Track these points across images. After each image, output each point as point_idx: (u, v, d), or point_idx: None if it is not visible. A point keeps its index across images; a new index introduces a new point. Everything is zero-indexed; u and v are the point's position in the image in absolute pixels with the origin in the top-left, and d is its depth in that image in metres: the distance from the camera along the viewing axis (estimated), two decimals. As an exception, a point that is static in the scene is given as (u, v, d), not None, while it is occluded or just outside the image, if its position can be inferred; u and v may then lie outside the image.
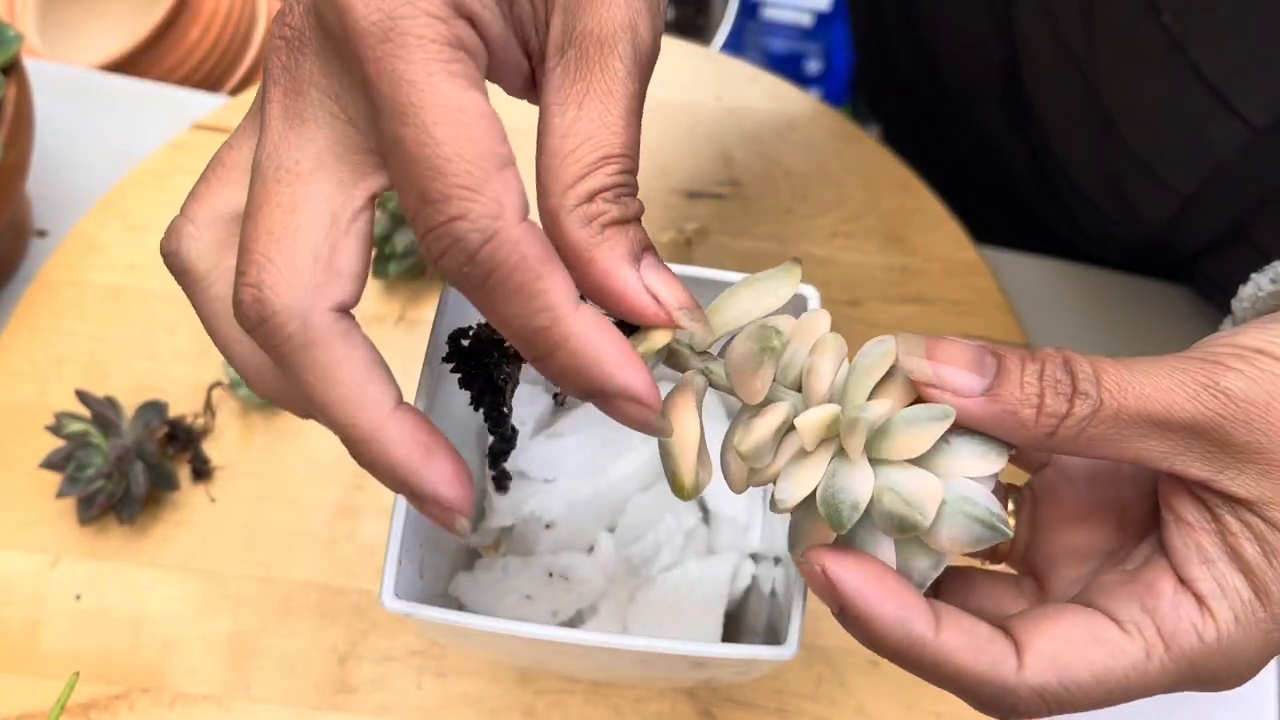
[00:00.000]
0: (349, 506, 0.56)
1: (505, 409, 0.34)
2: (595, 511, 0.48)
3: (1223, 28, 0.43)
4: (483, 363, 0.32)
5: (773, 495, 0.30)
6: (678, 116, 0.65)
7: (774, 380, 0.30)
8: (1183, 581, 0.30)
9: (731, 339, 0.31)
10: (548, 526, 0.48)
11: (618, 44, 0.28)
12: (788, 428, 0.30)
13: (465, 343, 0.33)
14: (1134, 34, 0.46)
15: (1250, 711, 0.55)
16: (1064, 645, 0.29)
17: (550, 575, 0.47)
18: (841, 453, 0.29)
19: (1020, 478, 0.35)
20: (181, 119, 0.65)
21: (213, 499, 0.56)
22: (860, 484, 0.28)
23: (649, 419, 0.28)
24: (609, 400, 0.27)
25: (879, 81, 0.84)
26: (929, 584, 0.30)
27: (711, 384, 0.31)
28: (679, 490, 0.30)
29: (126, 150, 0.64)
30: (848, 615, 0.29)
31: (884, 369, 0.29)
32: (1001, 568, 0.35)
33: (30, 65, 0.58)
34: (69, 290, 0.61)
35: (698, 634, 0.47)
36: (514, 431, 0.35)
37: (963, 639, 0.29)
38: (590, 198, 0.28)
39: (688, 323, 0.29)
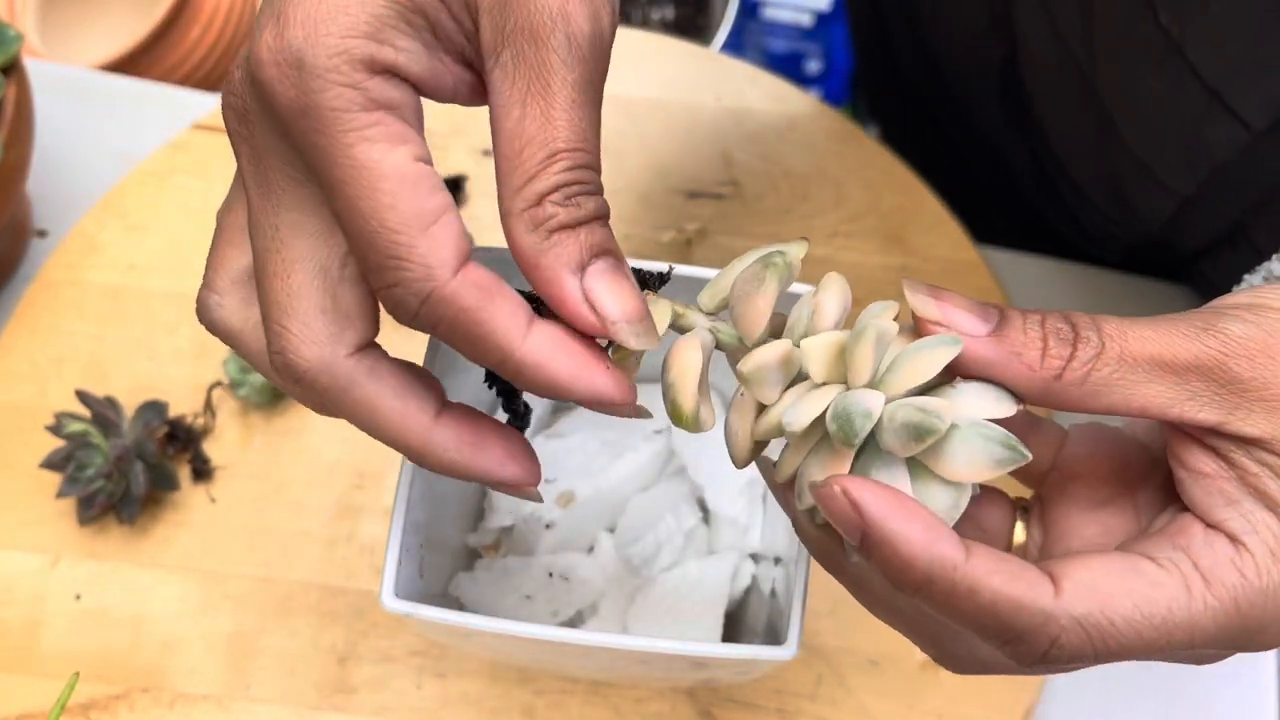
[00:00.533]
0: (349, 506, 0.56)
1: (516, 387, 0.34)
2: (595, 511, 0.48)
3: (1220, 29, 0.43)
4: None
5: (783, 423, 0.28)
6: (678, 116, 0.65)
7: (775, 338, 0.30)
8: (1211, 526, 0.29)
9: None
10: (548, 526, 0.48)
11: (550, 36, 0.28)
12: (795, 372, 0.29)
13: None
14: (1132, 34, 0.47)
15: (1250, 701, 0.55)
16: (1102, 574, 0.28)
17: (550, 575, 0.47)
18: (848, 390, 0.28)
19: (1026, 493, 0.35)
20: (181, 119, 0.65)
21: (213, 499, 0.56)
22: (871, 398, 0.27)
23: (626, 413, 0.29)
24: (586, 401, 0.28)
25: (879, 81, 0.84)
26: (954, 521, 0.29)
27: (718, 344, 0.30)
28: (678, 417, 0.30)
29: (126, 150, 0.64)
30: (871, 540, 0.27)
31: (890, 317, 0.28)
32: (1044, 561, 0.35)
33: (30, 65, 0.58)
34: (69, 290, 0.61)
35: (698, 634, 0.47)
36: (527, 409, 0.36)
37: (996, 563, 0.27)
38: (538, 201, 0.28)
39: (626, 338, 0.28)
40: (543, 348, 0.28)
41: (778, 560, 0.48)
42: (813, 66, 1.26)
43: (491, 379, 0.35)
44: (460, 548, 0.49)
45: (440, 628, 0.39)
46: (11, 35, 0.55)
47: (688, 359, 0.29)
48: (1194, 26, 0.44)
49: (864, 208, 0.63)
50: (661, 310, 0.30)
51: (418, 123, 0.28)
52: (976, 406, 0.28)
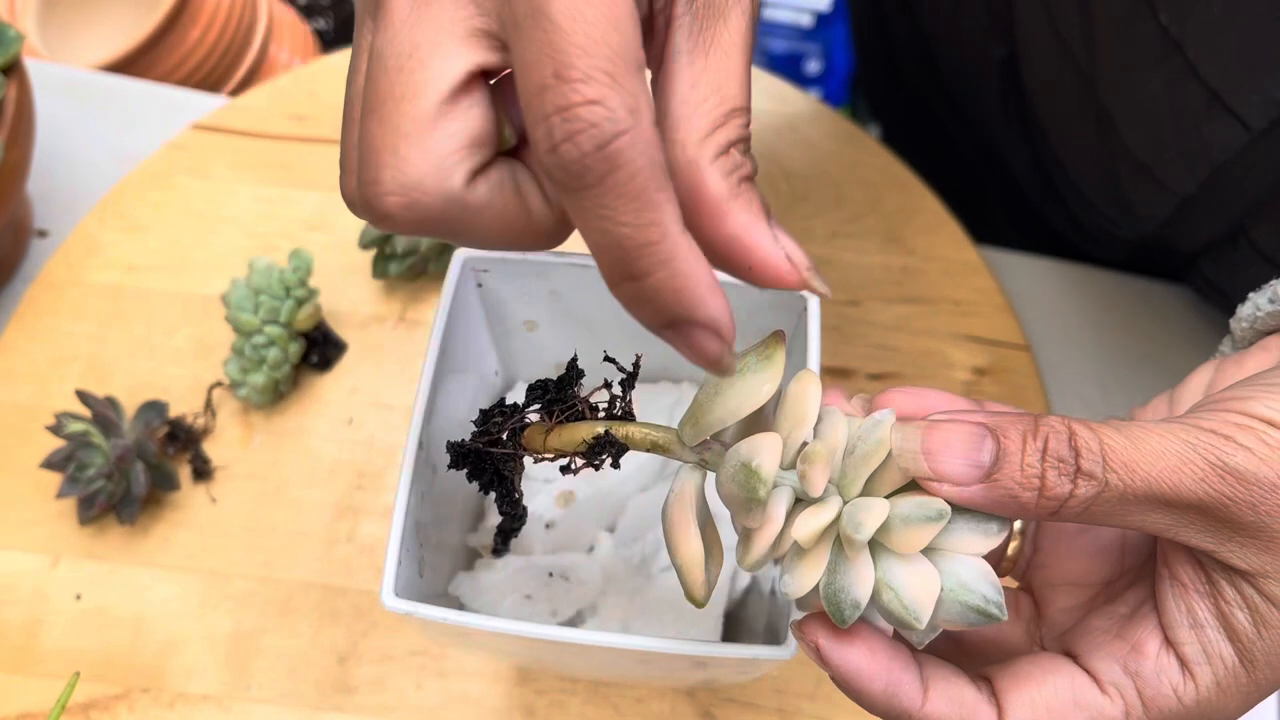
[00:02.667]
0: (349, 506, 0.56)
1: (516, 494, 0.35)
2: (595, 511, 0.48)
3: (1220, 29, 0.43)
4: (488, 456, 0.34)
5: (781, 589, 0.31)
6: (678, 117, 0.65)
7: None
8: (1169, 643, 0.30)
9: (724, 445, 0.31)
10: (548, 526, 0.48)
11: (739, 2, 0.27)
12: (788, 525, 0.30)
13: (463, 447, 0.35)
14: (1132, 34, 0.47)
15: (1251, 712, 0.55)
16: (1043, 711, 0.30)
17: (550, 575, 0.47)
18: (841, 545, 0.30)
19: None
20: (181, 119, 0.65)
21: (213, 499, 0.56)
22: (860, 583, 0.29)
23: (723, 354, 0.26)
24: (690, 330, 0.26)
25: (879, 81, 0.84)
26: (926, 644, 0.31)
27: (708, 467, 0.32)
28: (693, 601, 0.32)
29: (126, 150, 0.65)
30: (839, 686, 0.31)
31: (880, 458, 0.29)
32: (1006, 580, 0.36)
33: (30, 65, 0.58)
34: (69, 290, 0.61)
35: (698, 634, 0.47)
36: (524, 511, 0.36)
37: (947, 708, 0.30)
38: (726, 149, 0.27)
39: (817, 284, 0.28)
40: (694, 246, 0.25)
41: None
42: (813, 67, 1.26)
43: (487, 488, 0.35)
44: (460, 548, 0.49)
45: (440, 627, 0.39)
46: (12, 35, 0.55)
47: (691, 549, 0.31)
48: (1194, 26, 0.44)
49: (864, 208, 0.63)
50: (580, 433, 0.32)
51: None
52: (968, 543, 0.29)
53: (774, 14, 1.27)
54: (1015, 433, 0.29)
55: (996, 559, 0.35)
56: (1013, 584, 0.36)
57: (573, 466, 0.32)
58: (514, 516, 0.36)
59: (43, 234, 0.63)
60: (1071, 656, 0.32)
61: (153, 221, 0.62)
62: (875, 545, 0.30)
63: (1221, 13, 0.43)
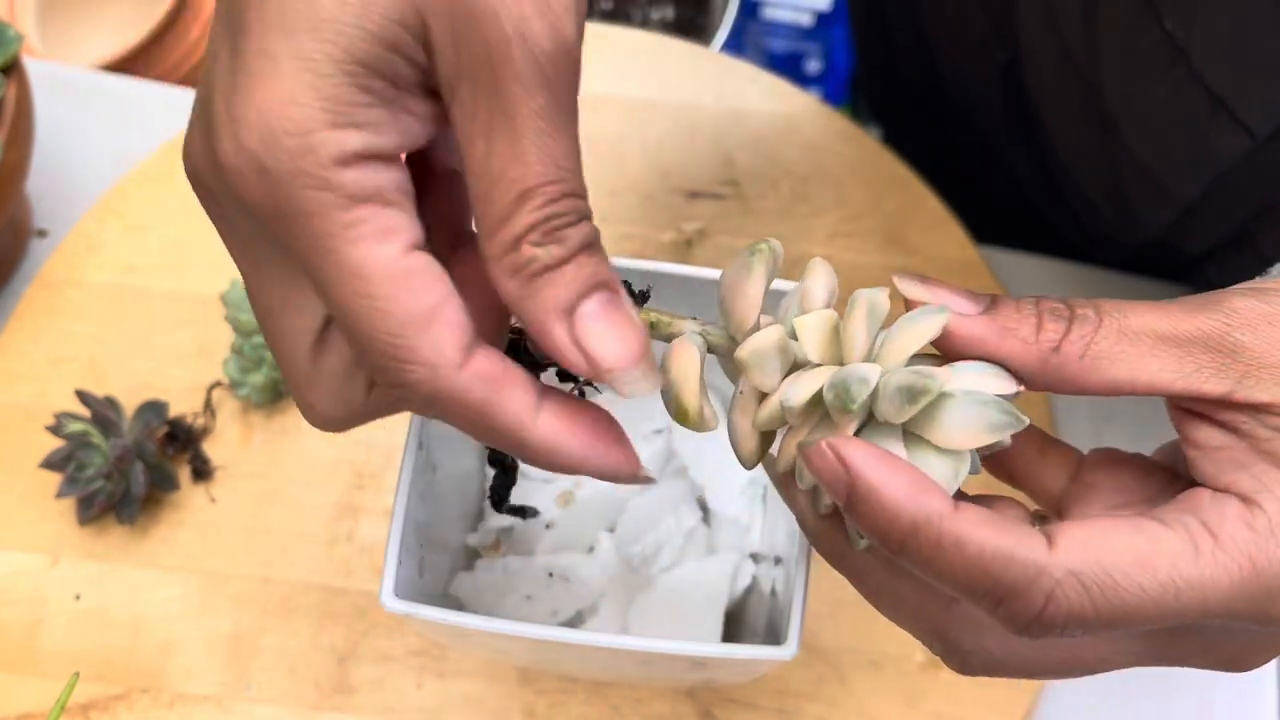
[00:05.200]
0: (349, 506, 0.56)
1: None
2: (595, 511, 0.48)
3: (1224, 36, 0.43)
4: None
5: (782, 400, 0.28)
6: (678, 116, 0.65)
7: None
8: (1220, 490, 0.28)
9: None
10: (548, 526, 0.48)
11: (507, 63, 0.25)
12: (791, 360, 0.29)
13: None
14: (1136, 40, 0.46)
15: (1249, 703, 0.55)
16: (1100, 532, 0.27)
17: (550, 575, 0.47)
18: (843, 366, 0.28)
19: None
20: (182, 119, 0.65)
21: (213, 499, 0.56)
22: (868, 368, 0.27)
23: (635, 476, 0.28)
24: (599, 478, 0.28)
25: (880, 84, 0.84)
26: (953, 492, 0.28)
27: (710, 347, 0.30)
28: (683, 416, 0.29)
29: (126, 150, 0.64)
30: (856, 495, 0.27)
31: (880, 310, 0.28)
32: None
33: (30, 65, 0.58)
34: (69, 290, 0.61)
35: (698, 634, 0.47)
36: (513, 463, 0.36)
37: (983, 515, 0.26)
38: (515, 244, 0.26)
39: (622, 387, 0.27)
40: (550, 431, 0.27)
41: (778, 560, 0.48)
42: (813, 66, 1.26)
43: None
44: (460, 548, 0.49)
45: (440, 628, 0.39)
46: (11, 35, 0.55)
47: (686, 358, 0.29)
48: (1199, 33, 0.43)
49: (864, 208, 0.63)
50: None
51: (403, 197, 0.26)
52: (975, 382, 0.28)
53: (774, 14, 1.27)
54: (1008, 297, 0.29)
55: None
56: None
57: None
58: (503, 467, 0.36)
59: (42, 234, 0.63)
60: None
61: (152, 221, 0.62)
62: (879, 360, 0.28)
63: (1227, 20, 0.42)
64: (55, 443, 0.55)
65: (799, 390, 0.28)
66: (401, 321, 0.25)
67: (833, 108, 0.66)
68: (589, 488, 0.48)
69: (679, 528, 0.48)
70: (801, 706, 0.53)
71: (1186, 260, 0.57)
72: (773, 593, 0.47)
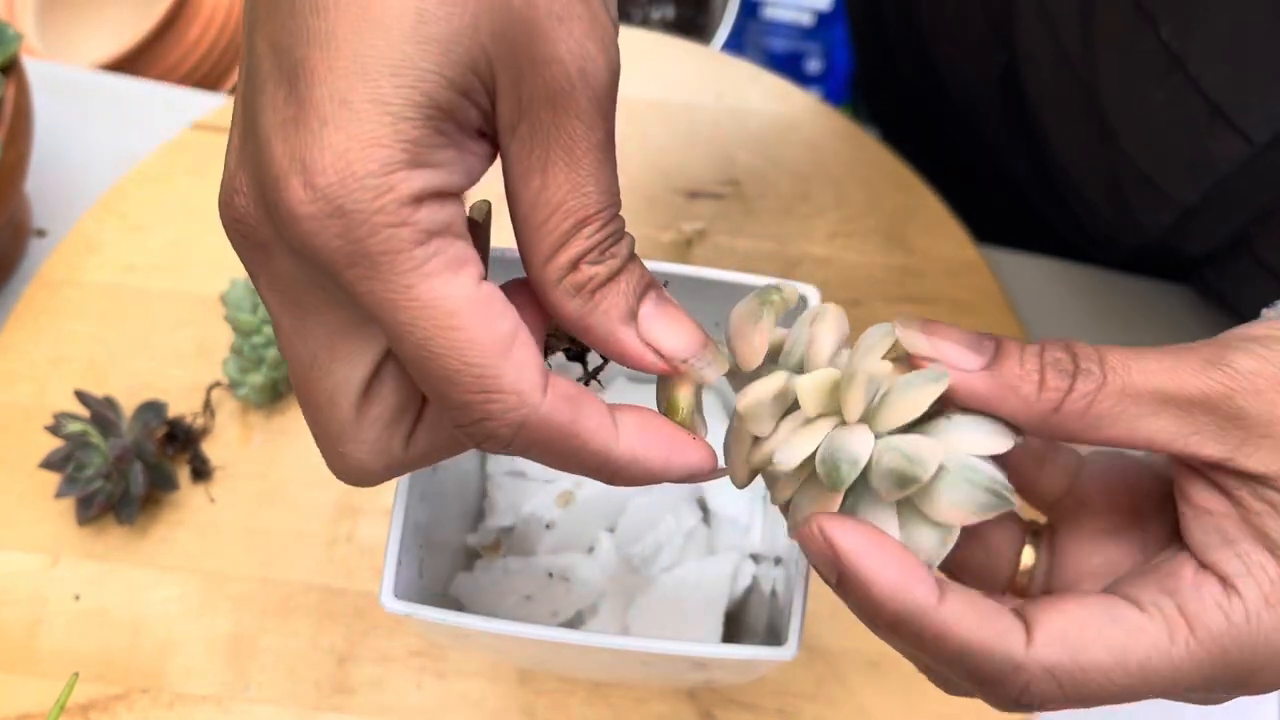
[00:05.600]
0: (348, 507, 0.56)
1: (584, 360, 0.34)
2: (595, 511, 0.48)
3: (1222, 43, 0.43)
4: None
5: (773, 463, 0.29)
6: (678, 116, 0.65)
7: (773, 361, 0.30)
8: (1205, 566, 0.28)
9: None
10: (548, 526, 0.48)
11: (570, 102, 0.26)
12: (790, 402, 0.29)
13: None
14: (1133, 47, 0.46)
15: (1250, 702, 0.55)
16: (1077, 623, 0.28)
17: (550, 575, 0.47)
18: (842, 424, 0.29)
19: (1041, 517, 0.34)
20: (181, 119, 0.65)
21: (212, 499, 0.56)
22: (859, 443, 0.28)
23: (711, 474, 0.29)
24: (681, 480, 0.29)
25: (879, 87, 0.84)
26: (937, 564, 0.29)
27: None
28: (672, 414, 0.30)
29: (126, 150, 0.64)
30: (845, 581, 0.28)
31: (885, 348, 0.29)
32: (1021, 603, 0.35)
33: (29, 65, 0.58)
34: (68, 290, 0.61)
35: (698, 634, 0.47)
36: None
37: (967, 608, 0.27)
38: (574, 266, 0.27)
39: (696, 369, 0.28)
40: (635, 442, 0.27)
41: (778, 560, 0.48)
42: (813, 66, 1.26)
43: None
44: (460, 548, 0.49)
45: (440, 628, 0.39)
46: (10, 35, 0.55)
47: (681, 398, 0.30)
48: (1195, 40, 0.43)
49: (865, 207, 0.63)
50: (683, 395, 0.30)
51: (465, 232, 0.27)
52: (970, 442, 0.28)
53: (774, 13, 1.27)
54: (1012, 341, 0.29)
55: (1008, 575, 0.33)
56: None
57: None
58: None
59: (41, 233, 0.63)
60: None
61: (152, 221, 0.62)
62: (876, 433, 0.28)
63: (1223, 28, 0.42)
64: (54, 443, 0.55)
65: (791, 454, 0.28)
66: (485, 352, 0.25)
67: (833, 107, 0.66)
68: (589, 488, 0.48)
69: (679, 528, 0.48)
70: (801, 707, 0.53)
71: (1186, 261, 0.57)
72: (773, 593, 0.47)
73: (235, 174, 0.27)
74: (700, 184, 0.64)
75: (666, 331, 0.28)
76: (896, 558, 0.27)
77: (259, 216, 0.27)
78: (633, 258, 0.28)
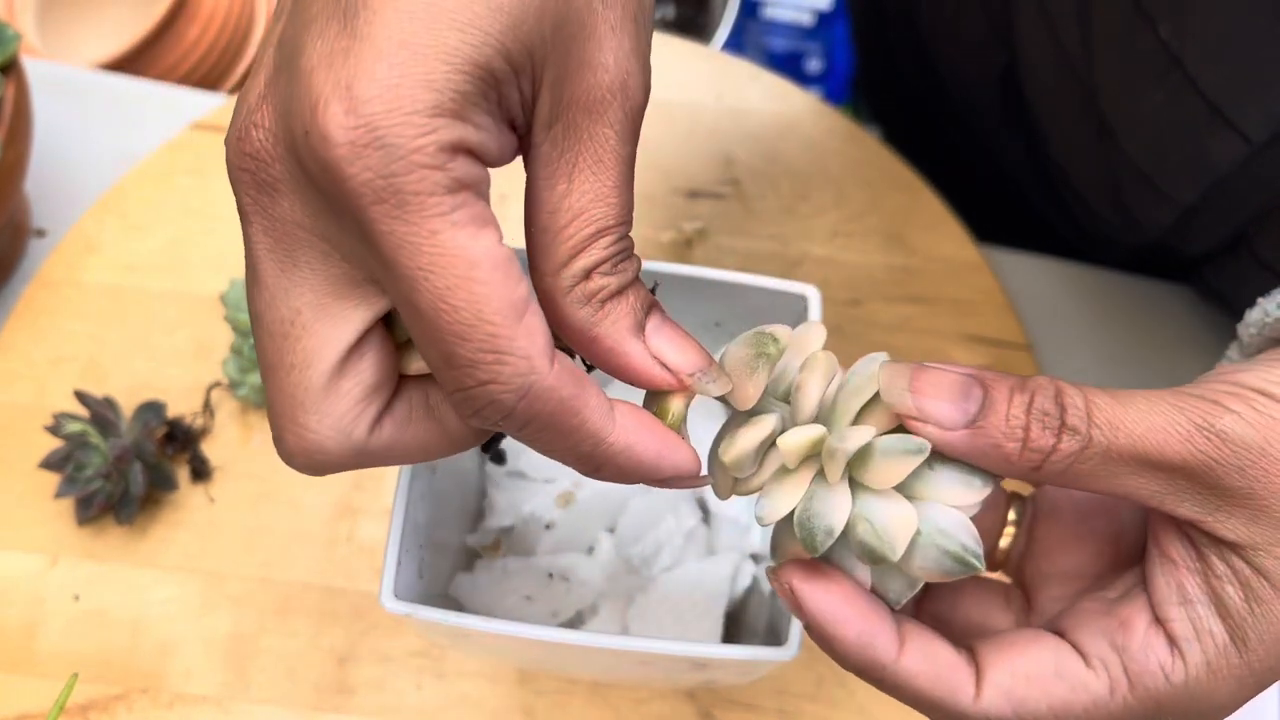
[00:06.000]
0: (348, 507, 0.56)
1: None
2: (595, 511, 0.48)
3: (1220, 43, 0.43)
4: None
5: (755, 514, 0.30)
6: (678, 116, 0.65)
7: (765, 392, 0.30)
8: (1158, 620, 0.30)
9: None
10: (548, 527, 0.48)
11: (607, 110, 0.26)
12: (772, 442, 0.30)
13: None
14: (1132, 47, 0.46)
15: (1250, 710, 0.55)
16: (1023, 679, 0.30)
17: (550, 576, 0.47)
18: (823, 474, 0.29)
19: (1025, 488, 0.35)
20: (181, 119, 0.65)
21: (212, 499, 0.56)
22: (836, 510, 0.29)
23: (697, 484, 0.29)
24: (662, 484, 0.29)
25: (880, 87, 0.84)
26: (905, 601, 0.31)
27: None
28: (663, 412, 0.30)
29: (126, 150, 0.64)
30: (812, 633, 0.30)
31: (872, 390, 0.29)
32: (997, 576, 0.35)
33: (29, 64, 0.58)
34: (68, 290, 0.61)
35: (698, 635, 0.47)
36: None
37: (922, 664, 0.30)
38: (587, 275, 0.27)
39: (701, 385, 0.28)
40: (630, 432, 0.27)
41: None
42: (813, 65, 1.26)
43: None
44: (460, 548, 0.49)
45: (440, 628, 0.39)
46: (10, 34, 0.55)
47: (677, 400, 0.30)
48: (1194, 40, 0.43)
49: (865, 207, 0.63)
50: (677, 405, 0.31)
51: (489, 201, 0.26)
52: (949, 495, 0.29)
53: (775, 13, 1.27)
54: (1003, 386, 0.29)
55: (989, 549, 0.35)
56: (1005, 580, 0.36)
57: None
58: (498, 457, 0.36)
59: (41, 233, 0.63)
60: (1058, 633, 0.31)
61: (151, 221, 0.62)
62: (855, 484, 0.29)
63: (1221, 28, 0.42)
64: (54, 443, 0.55)
65: (772, 510, 0.29)
66: (500, 310, 0.25)
67: (833, 107, 0.66)
68: (589, 488, 0.48)
69: (679, 528, 0.48)
70: (801, 707, 0.53)
71: (1186, 261, 0.57)
72: (773, 593, 0.47)
73: (256, 109, 0.27)
74: (700, 184, 0.64)
75: (672, 347, 0.28)
76: (860, 613, 0.29)
77: (276, 152, 0.26)
78: (638, 279, 0.28)
